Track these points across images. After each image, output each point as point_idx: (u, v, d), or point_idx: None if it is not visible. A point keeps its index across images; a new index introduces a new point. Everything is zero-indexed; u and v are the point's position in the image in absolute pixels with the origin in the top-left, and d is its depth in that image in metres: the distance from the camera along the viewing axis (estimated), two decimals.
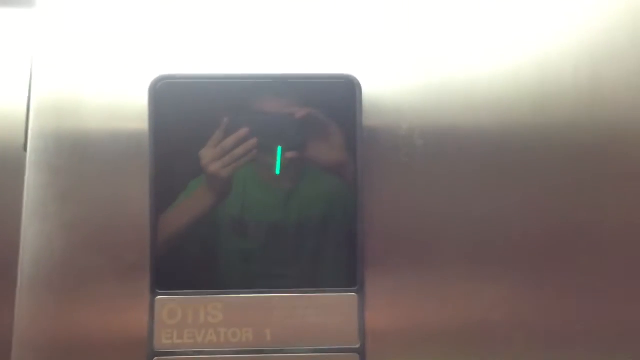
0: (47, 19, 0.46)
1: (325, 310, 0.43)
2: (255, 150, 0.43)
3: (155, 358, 0.42)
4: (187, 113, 0.44)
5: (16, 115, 0.47)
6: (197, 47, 0.46)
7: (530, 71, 0.46)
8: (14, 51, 0.49)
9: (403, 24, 0.47)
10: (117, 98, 0.45)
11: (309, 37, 0.46)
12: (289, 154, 0.44)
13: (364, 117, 0.44)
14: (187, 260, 0.43)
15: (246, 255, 0.44)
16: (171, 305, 0.43)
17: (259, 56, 0.46)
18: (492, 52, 0.47)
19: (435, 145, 0.45)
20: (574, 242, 0.45)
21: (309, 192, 0.44)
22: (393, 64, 0.46)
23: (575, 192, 0.45)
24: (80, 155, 0.45)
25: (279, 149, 0.43)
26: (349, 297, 0.43)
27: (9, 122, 0.48)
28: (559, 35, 0.47)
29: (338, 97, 0.44)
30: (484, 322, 0.44)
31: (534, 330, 0.44)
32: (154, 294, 0.43)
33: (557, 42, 0.47)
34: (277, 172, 0.44)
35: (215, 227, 0.44)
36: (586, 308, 0.45)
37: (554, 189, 0.45)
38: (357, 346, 0.43)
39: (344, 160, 0.44)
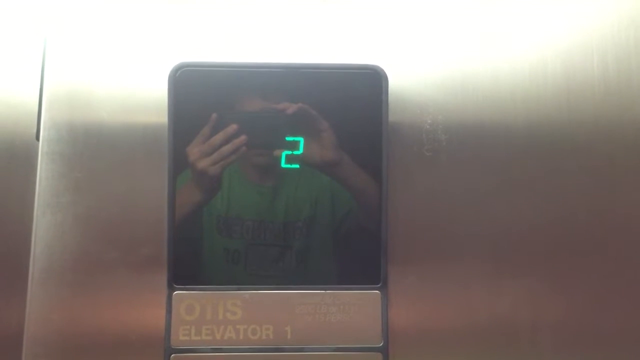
0: (61, 6, 0.45)
1: (348, 308, 0.42)
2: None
3: (173, 355, 0.41)
4: (207, 101, 0.42)
5: (28, 105, 0.46)
6: (215, 38, 0.45)
7: (554, 66, 0.46)
8: (27, 40, 0.47)
9: (427, 18, 0.46)
10: (130, 89, 0.44)
11: (332, 29, 0.46)
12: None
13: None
14: (206, 254, 0.42)
15: (266, 250, 0.42)
16: (189, 300, 0.42)
17: (284, 46, 0.45)
18: (516, 46, 0.46)
19: (459, 140, 0.45)
20: (602, 241, 0.44)
21: (336, 188, 0.43)
22: (417, 58, 0.45)
23: (603, 190, 0.45)
24: (94, 146, 0.44)
25: None
26: (372, 294, 0.42)
27: (20, 111, 0.47)
28: (584, 27, 0.46)
29: (364, 88, 0.43)
30: (509, 320, 0.43)
31: (560, 329, 0.43)
32: (171, 288, 0.42)
33: (582, 34, 0.46)
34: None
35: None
36: (614, 307, 0.44)
37: (581, 187, 0.44)
38: (380, 345, 0.42)
39: (370, 154, 0.43)
